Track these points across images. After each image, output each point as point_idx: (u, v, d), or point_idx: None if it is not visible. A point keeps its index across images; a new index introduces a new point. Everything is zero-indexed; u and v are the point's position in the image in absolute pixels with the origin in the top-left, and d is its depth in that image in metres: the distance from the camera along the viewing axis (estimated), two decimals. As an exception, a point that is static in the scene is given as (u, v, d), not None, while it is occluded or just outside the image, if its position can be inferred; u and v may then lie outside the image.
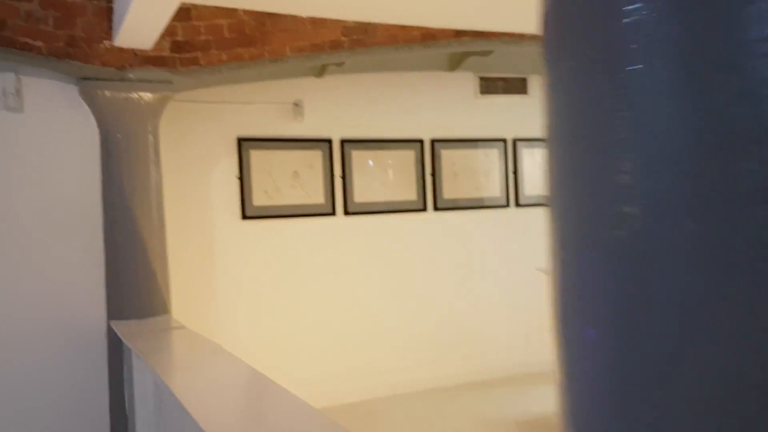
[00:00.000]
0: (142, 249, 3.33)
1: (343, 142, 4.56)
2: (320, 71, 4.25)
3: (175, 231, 3.91)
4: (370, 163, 4.61)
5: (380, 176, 4.70)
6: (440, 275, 4.86)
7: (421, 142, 4.80)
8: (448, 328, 4.87)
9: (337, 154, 4.54)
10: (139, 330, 3.03)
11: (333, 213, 4.52)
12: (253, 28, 3.50)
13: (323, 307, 4.49)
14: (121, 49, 3.33)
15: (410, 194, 4.77)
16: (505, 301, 5.08)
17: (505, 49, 4.29)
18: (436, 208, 4.86)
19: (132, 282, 3.32)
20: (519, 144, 5.12)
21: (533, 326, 5.12)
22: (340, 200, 4.55)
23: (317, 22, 3.61)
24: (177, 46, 3.42)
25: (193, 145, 4.18)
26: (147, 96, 3.39)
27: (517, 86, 5.10)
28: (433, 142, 4.85)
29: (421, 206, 4.81)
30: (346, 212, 4.56)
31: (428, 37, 3.95)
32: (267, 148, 4.34)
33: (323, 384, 4.45)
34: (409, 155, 4.77)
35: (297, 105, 4.38)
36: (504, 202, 5.08)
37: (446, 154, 4.89)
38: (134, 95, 3.36)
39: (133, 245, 3.31)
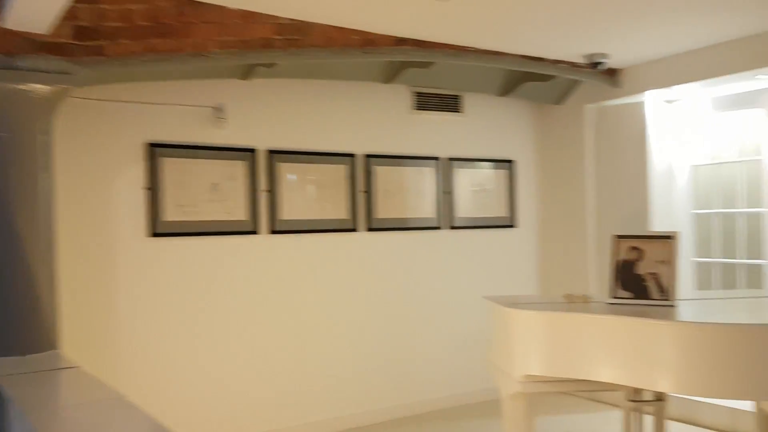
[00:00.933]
0: (24, 271, 2.76)
1: (269, 153, 4.13)
2: (247, 72, 3.82)
3: (69, 250, 3.34)
4: (292, 177, 4.19)
5: (309, 192, 4.30)
6: (372, 300, 4.51)
7: (353, 156, 4.45)
8: (380, 358, 4.51)
9: (263, 166, 4.11)
10: (20, 370, 2.47)
11: (256, 231, 4.07)
12: (172, 17, 3.04)
13: (242, 336, 4.01)
14: (10, 32, 2.77)
15: (341, 212, 4.41)
16: (441, 328, 4.79)
17: (444, 63, 4.04)
18: (368, 228, 4.51)
19: (12, 311, 2.75)
20: (453, 163, 4.88)
21: (472, 354, 4.85)
22: (264, 217, 4.11)
23: (247, 16, 3.20)
24: (79, 33, 2.91)
25: (95, 149, 3.63)
26: (40, 89, 2.85)
27: (451, 104, 4.87)
28: (366, 157, 4.51)
29: (351, 226, 4.45)
30: (272, 230, 4.12)
31: (368, 42, 3.63)
32: (182, 156, 3.85)
33: (241, 421, 3.96)
34: (340, 170, 4.40)
35: (218, 109, 3.92)
36: (437, 224, 4.81)
37: (380, 171, 4.56)
38: (24, 87, 2.81)
39: (12, 266, 2.74)
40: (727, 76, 4.00)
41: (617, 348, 2.53)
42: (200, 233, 3.88)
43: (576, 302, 2.96)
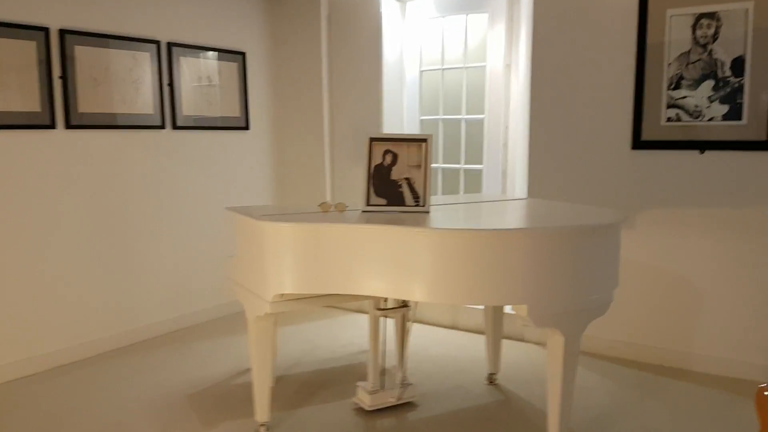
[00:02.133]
0: None
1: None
2: None
3: None
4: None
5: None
6: (80, 215, 3.70)
7: (45, 30, 3.45)
8: (98, 283, 3.78)
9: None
10: None
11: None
12: None
13: None
14: None
15: (31, 104, 3.43)
16: (168, 244, 4.20)
17: None
18: (68, 126, 3.61)
19: None
20: (175, 50, 4.15)
21: (204, 270, 4.38)
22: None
23: None
24: None
25: None
26: None
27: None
28: (62, 33, 3.54)
29: (47, 121, 3.51)
30: None
31: None
32: None
33: None
34: (27, 48, 3.39)
35: None
36: (159, 122, 4.10)
37: (82, 53, 3.64)
38: None
39: None
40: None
41: (375, 259, 2.35)
42: None
43: (331, 212, 2.70)
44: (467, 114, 4.54)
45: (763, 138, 3.16)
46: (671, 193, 3.45)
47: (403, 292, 2.36)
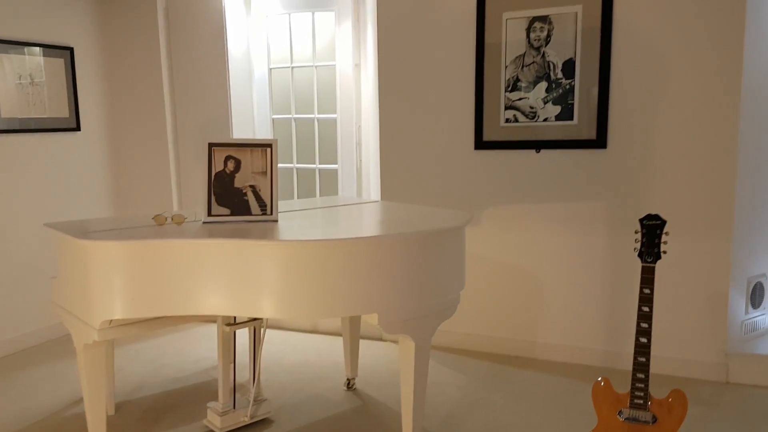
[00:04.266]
0: None
1: None
2: None
3: None
4: None
5: None
6: None
7: None
8: None
9: None
10: None
11: None
12: None
13: None
14: None
15: None
16: (-23, 262, 3.72)
17: None
18: None
19: None
20: (-14, 44, 3.68)
21: (30, 290, 3.93)
22: None
23: None
24: None
25: None
26: None
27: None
28: None
29: None
30: None
31: None
32: None
33: None
34: None
35: None
36: (-33, 125, 3.61)
37: None
38: None
39: None
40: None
41: (217, 275, 2.20)
42: None
43: (167, 224, 2.50)
44: (320, 113, 4.46)
45: (593, 137, 3.37)
46: (512, 191, 3.60)
47: (250, 309, 2.23)
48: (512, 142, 3.53)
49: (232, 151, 2.65)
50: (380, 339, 4.05)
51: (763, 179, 3.35)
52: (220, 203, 2.59)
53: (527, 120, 3.48)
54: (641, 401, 1.99)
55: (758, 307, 3.42)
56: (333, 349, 3.89)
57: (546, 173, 3.51)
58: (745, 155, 3.19)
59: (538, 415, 2.95)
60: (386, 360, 3.69)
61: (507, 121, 3.53)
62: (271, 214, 2.58)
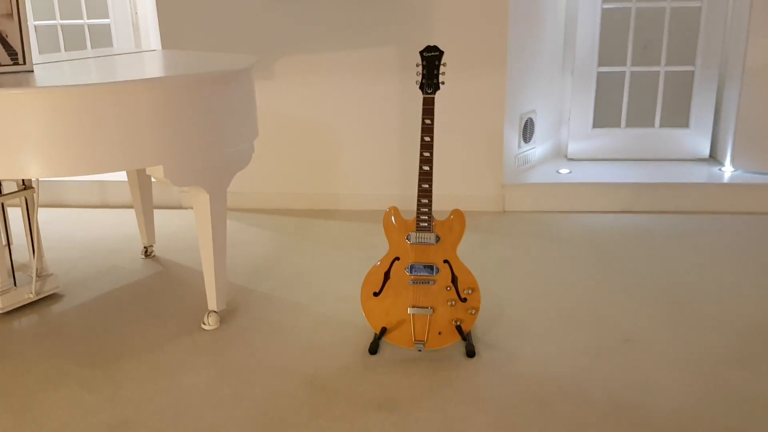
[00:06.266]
0: None
1: None
2: None
3: None
4: None
5: None
6: None
7: None
8: None
9: None
10: None
11: None
12: None
13: None
14: None
15: None
16: None
17: None
18: None
19: None
20: None
21: None
22: None
23: None
24: None
25: None
26: None
27: None
28: None
29: None
30: None
31: None
32: None
33: None
34: None
35: None
36: None
37: None
38: None
39: None
40: None
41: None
42: None
43: None
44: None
45: (380, -18, 3.33)
46: (302, 41, 3.50)
47: (13, 170, 1.97)
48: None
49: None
50: (180, 207, 3.89)
51: (535, 19, 3.60)
52: (-44, 53, 2.17)
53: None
54: (426, 224, 2.14)
55: (529, 141, 3.81)
56: (128, 222, 3.67)
57: (334, 20, 3.44)
58: (518, -1, 3.38)
59: (342, 256, 3.09)
60: (188, 226, 3.58)
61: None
62: (24, 63, 2.24)
